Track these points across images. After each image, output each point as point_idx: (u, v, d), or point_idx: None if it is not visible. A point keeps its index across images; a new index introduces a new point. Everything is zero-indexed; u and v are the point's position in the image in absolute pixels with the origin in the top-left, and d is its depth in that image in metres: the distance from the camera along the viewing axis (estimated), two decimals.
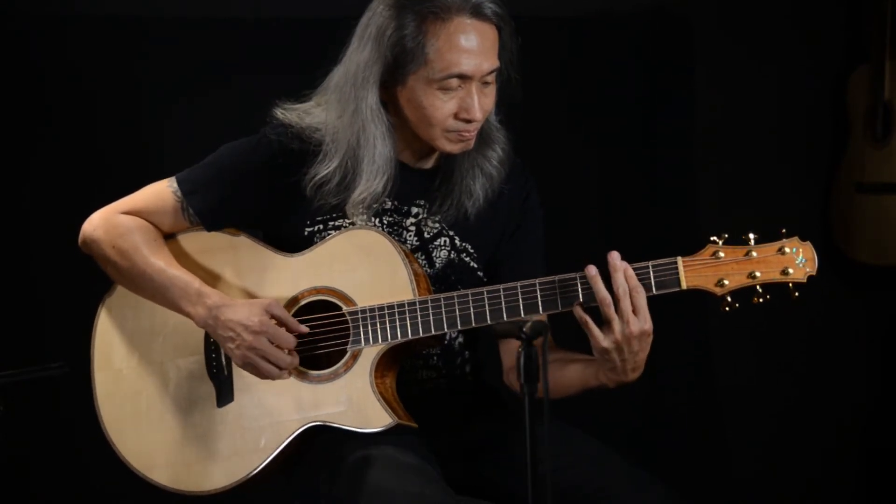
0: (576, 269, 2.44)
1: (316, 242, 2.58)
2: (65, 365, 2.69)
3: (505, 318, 2.46)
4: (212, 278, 2.60)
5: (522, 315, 2.45)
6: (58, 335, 3.45)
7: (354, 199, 2.55)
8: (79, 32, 3.67)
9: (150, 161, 3.66)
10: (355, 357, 2.52)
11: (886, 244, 3.92)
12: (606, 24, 3.93)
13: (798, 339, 4.05)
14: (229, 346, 2.52)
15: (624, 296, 2.38)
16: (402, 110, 2.55)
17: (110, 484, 3.09)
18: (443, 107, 2.50)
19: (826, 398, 4.07)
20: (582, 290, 2.43)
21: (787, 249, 2.41)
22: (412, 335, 2.49)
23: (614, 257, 2.39)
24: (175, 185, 2.62)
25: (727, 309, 2.41)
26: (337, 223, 2.60)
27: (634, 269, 2.40)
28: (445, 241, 2.64)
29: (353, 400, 2.50)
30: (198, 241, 2.64)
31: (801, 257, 2.41)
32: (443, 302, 2.48)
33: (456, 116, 2.51)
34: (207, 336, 2.58)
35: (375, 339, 2.50)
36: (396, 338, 2.50)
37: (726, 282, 2.40)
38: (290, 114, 2.61)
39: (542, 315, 2.47)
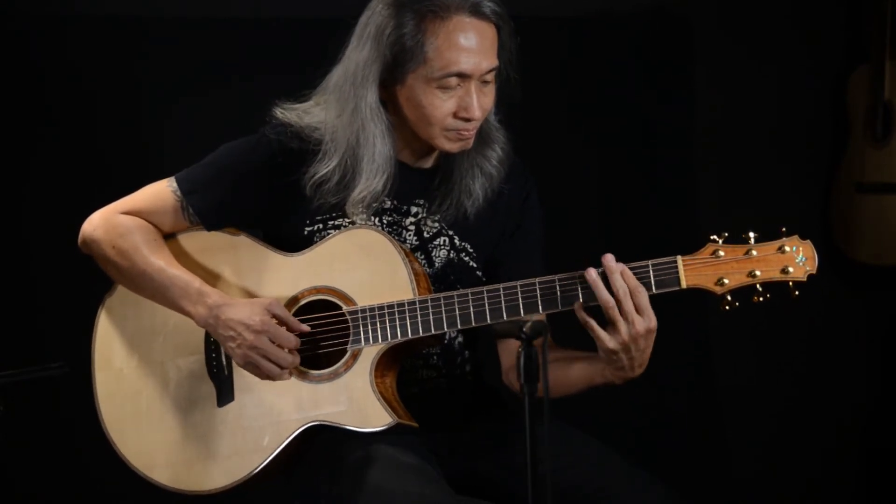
0: (576, 269, 2.44)
1: (316, 242, 2.58)
2: (65, 365, 2.69)
3: (505, 318, 2.46)
4: (212, 278, 2.60)
5: (522, 315, 2.45)
6: (58, 335, 3.44)
7: (354, 197, 2.55)
8: (79, 32, 3.67)
9: (150, 161, 3.66)
10: (355, 356, 2.52)
11: (886, 244, 3.92)
12: (606, 24, 3.93)
13: (798, 339, 4.05)
14: (230, 346, 2.52)
15: (625, 297, 2.38)
16: (401, 109, 2.55)
17: (110, 484, 3.10)
18: (442, 105, 2.50)
19: (826, 398, 4.07)
20: (582, 289, 2.43)
21: (787, 248, 2.41)
22: (412, 335, 2.49)
23: (609, 260, 2.39)
24: (175, 184, 2.62)
25: (727, 308, 2.41)
26: (337, 222, 2.60)
27: (634, 269, 2.41)
28: (445, 241, 2.64)
29: (354, 399, 2.50)
30: (198, 241, 2.64)
31: (801, 256, 2.40)
32: (442, 301, 2.48)
33: (455, 115, 2.51)
34: (208, 336, 2.58)
35: (375, 339, 2.50)
36: (396, 337, 2.50)
37: (726, 281, 2.40)
38: (290, 113, 2.61)
39: (541, 315, 2.47)
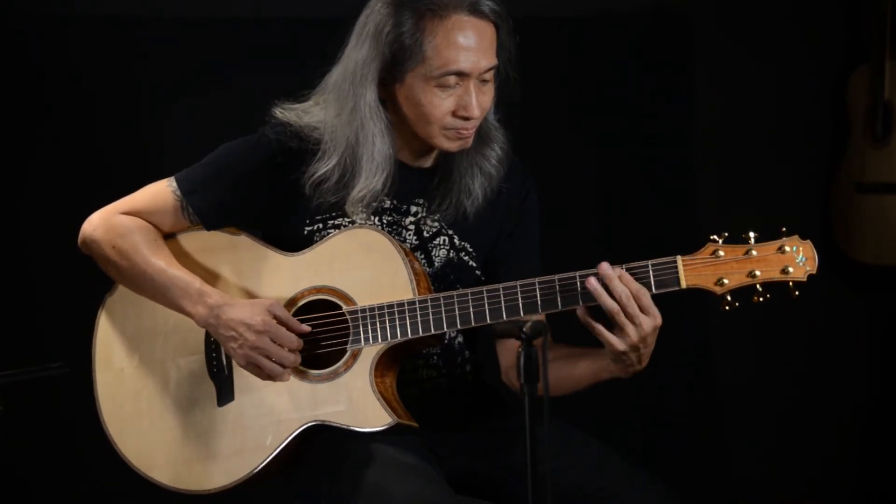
0: (576, 269, 2.44)
1: (316, 241, 2.58)
2: (65, 365, 2.69)
3: (504, 318, 2.46)
4: (212, 277, 2.60)
5: (522, 315, 2.45)
6: (58, 335, 3.45)
7: (354, 196, 2.55)
8: (79, 32, 3.67)
9: (150, 161, 3.66)
10: (355, 356, 2.52)
11: (886, 244, 3.92)
12: (606, 24, 3.93)
13: (798, 339, 4.04)
14: (231, 346, 2.52)
15: (629, 301, 2.38)
16: (400, 108, 2.55)
17: (110, 484, 3.10)
18: (441, 104, 2.50)
19: (826, 398, 4.07)
20: (581, 289, 2.43)
21: (787, 248, 2.41)
22: (412, 335, 2.49)
23: (605, 268, 2.40)
24: (174, 184, 2.62)
25: (727, 308, 2.41)
26: (337, 222, 2.60)
27: (634, 269, 2.41)
28: (444, 240, 2.64)
29: (353, 399, 2.50)
30: (198, 241, 2.64)
31: (801, 256, 2.40)
32: (442, 301, 2.48)
33: (454, 114, 2.51)
34: (208, 335, 2.58)
35: (375, 339, 2.50)
36: (396, 337, 2.50)
37: (726, 281, 2.40)
38: (289, 113, 2.61)
39: (541, 315, 2.47)
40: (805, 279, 2.40)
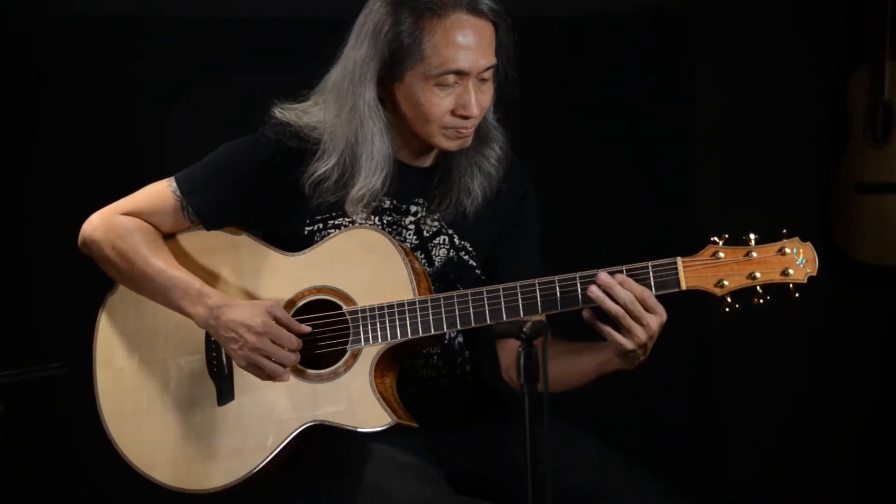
0: (576, 269, 2.44)
1: (316, 241, 2.58)
2: (65, 365, 2.69)
3: (504, 319, 2.46)
4: (212, 278, 2.60)
5: (521, 315, 2.45)
6: (58, 335, 3.45)
7: (353, 195, 2.55)
8: (79, 32, 3.67)
9: (150, 161, 3.66)
10: (355, 356, 2.52)
11: (886, 244, 3.92)
12: (606, 24, 3.93)
13: (798, 339, 4.05)
14: (232, 347, 2.51)
15: (633, 304, 2.38)
16: (399, 107, 2.55)
17: (110, 484, 3.10)
18: (440, 103, 2.50)
19: (826, 398, 4.07)
20: (581, 290, 2.43)
21: (787, 250, 2.41)
22: (412, 335, 2.49)
23: (603, 277, 2.40)
24: (174, 184, 2.62)
25: (727, 310, 2.41)
26: (337, 222, 2.60)
27: (634, 270, 2.41)
28: (444, 240, 2.64)
29: (353, 399, 2.50)
30: (198, 240, 2.64)
31: (801, 258, 2.40)
32: (442, 302, 2.48)
33: (453, 113, 2.51)
34: (208, 335, 2.58)
35: (375, 339, 2.50)
36: (396, 337, 2.50)
37: (726, 282, 2.40)
38: (289, 113, 2.61)
39: (541, 315, 2.47)
40: (805, 281, 2.40)
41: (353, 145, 2.54)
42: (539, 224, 2.72)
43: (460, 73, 2.49)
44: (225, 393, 2.58)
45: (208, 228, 2.62)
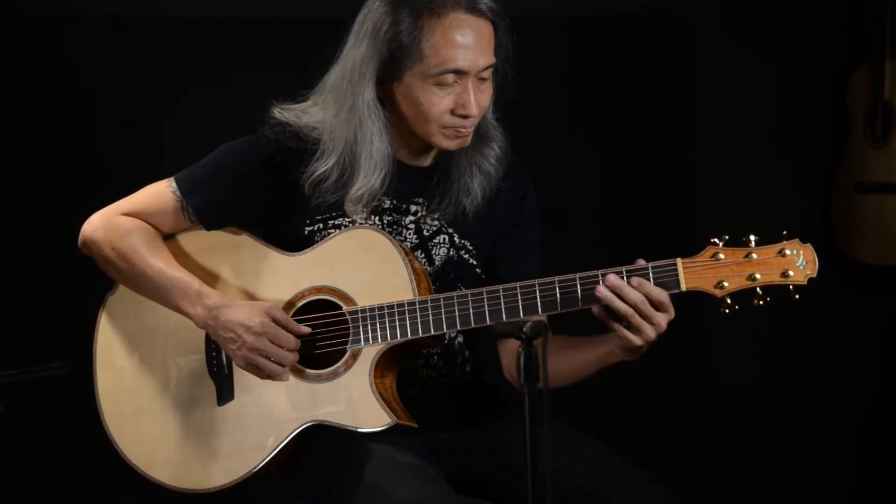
0: (576, 269, 2.44)
1: (316, 241, 2.58)
2: (65, 365, 2.69)
3: (504, 319, 2.46)
4: (213, 278, 2.60)
5: (521, 316, 2.45)
6: (58, 335, 3.45)
7: (352, 195, 2.55)
8: (79, 32, 3.67)
9: (150, 161, 3.66)
10: (355, 356, 2.52)
11: (886, 244, 3.92)
12: (606, 24, 3.93)
13: (798, 339, 4.05)
14: (231, 348, 2.52)
15: (642, 302, 2.39)
16: (398, 107, 2.55)
17: (110, 484, 3.10)
18: (439, 102, 2.50)
19: (826, 398, 4.07)
20: (581, 290, 2.43)
21: (787, 251, 2.40)
22: (412, 335, 2.49)
23: (611, 280, 2.40)
24: (174, 185, 2.62)
25: (727, 311, 2.41)
26: (337, 222, 2.60)
27: (634, 271, 2.41)
28: (444, 239, 2.64)
29: (353, 399, 2.50)
30: (198, 241, 2.64)
31: (801, 259, 2.40)
32: (442, 302, 2.48)
33: (452, 112, 2.51)
34: (208, 335, 2.58)
35: (375, 339, 2.50)
36: (396, 338, 2.50)
37: (726, 284, 2.40)
38: (288, 113, 2.61)
39: (541, 316, 2.47)
40: (805, 283, 2.40)
41: (353, 145, 2.54)
42: (539, 224, 2.73)
43: (459, 73, 2.49)
44: (225, 393, 2.58)
45: (208, 228, 2.62)
